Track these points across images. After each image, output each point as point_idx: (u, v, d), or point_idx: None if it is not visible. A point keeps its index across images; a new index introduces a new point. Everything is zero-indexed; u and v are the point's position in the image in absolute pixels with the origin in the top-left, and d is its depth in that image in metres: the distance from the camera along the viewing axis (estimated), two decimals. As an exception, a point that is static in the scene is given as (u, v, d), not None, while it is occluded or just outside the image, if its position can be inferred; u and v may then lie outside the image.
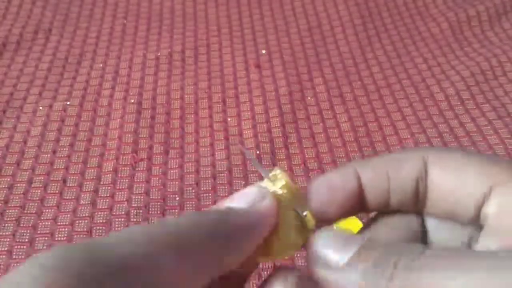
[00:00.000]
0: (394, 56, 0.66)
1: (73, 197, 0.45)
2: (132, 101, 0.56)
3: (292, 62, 0.63)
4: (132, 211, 0.44)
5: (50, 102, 0.56)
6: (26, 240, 0.41)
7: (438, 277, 0.13)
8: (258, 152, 0.50)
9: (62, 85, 0.58)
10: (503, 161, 0.17)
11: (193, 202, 0.45)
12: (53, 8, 0.71)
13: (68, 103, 0.56)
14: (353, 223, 0.44)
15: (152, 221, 0.43)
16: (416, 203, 0.18)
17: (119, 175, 0.47)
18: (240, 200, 0.17)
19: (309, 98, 0.58)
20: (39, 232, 0.42)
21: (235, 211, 0.16)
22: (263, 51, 0.65)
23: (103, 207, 0.44)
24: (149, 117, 0.54)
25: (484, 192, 0.16)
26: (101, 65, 0.62)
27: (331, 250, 0.16)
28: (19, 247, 0.40)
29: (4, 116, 0.54)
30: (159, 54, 0.64)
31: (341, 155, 0.50)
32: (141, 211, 0.44)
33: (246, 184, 0.47)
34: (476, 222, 0.17)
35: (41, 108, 0.55)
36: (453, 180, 0.17)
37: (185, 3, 0.73)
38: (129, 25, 0.69)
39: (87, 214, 0.43)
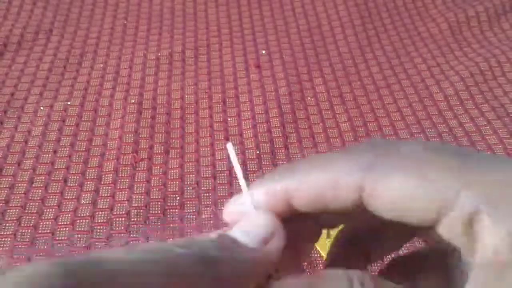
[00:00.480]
0: (394, 57, 0.66)
1: (73, 197, 0.45)
2: (133, 101, 0.56)
3: (292, 62, 0.63)
4: (133, 210, 0.44)
5: (51, 102, 0.56)
6: (27, 240, 0.41)
7: None
8: (258, 152, 0.50)
9: (63, 85, 0.58)
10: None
11: (194, 202, 0.45)
12: (53, 9, 0.71)
13: (69, 103, 0.56)
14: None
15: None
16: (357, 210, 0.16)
17: (120, 175, 0.47)
18: (248, 235, 0.15)
19: (309, 98, 0.58)
20: (40, 231, 0.42)
21: (239, 250, 0.15)
22: (263, 51, 0.65)
23: (103, 207, 0.44)
24: (149, 117, 0.54)
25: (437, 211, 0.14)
26: (101, 65, 0.62)
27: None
28: (20, 246, 0.41)
29: (5, 116, 0.54)
30: (159, 54, 0.64)
31: (340, 155, 0.51)
32: (141, 210, 0.44)
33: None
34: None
35: (42, 108, 0.55)
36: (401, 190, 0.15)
37: (185, 4, 0.74)
38: (129, 26, 0.69)
39: (87, 214, 0.43)
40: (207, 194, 0.46)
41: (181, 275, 0.13)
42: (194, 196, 0.46)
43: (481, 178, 0.14)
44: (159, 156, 0.50)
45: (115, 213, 0.44)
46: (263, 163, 0.49)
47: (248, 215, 0.16)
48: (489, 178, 0.14)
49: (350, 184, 0.15)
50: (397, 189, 0.14)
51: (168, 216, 0.44)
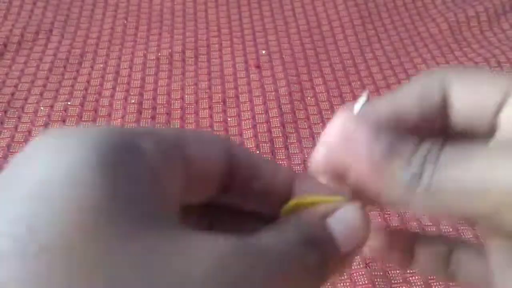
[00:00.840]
0: (394, 57, 0.66)
1: (74, 197, 0.45)
2: (133, 101, 0.56)
3: (292, 63, 0.64)
4: (133, 210, 0.44)
5: (51, 102, 0.56)
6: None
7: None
8: (258, 152, 0.50)
9: (63, 85, 0.59)
10: None
11: (194, 202, 0.45)
12: (54, 9, 0.71)
13: (69, 103, 0.56)
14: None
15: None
16: (444, 119, 0.18)
17: (120, 175, 0.47)
18: (346, 240, 0.16)
19: (309, 98, 0.58)
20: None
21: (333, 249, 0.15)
22: (263, 52, 0.65)
23: (104, 207, 0.44)
24: (149, 117, 0.54)
25: (498, 101, 0.17)
26: (101, 66, 0.62)
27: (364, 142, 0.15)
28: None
29: (6, 116, 0.54)
30: (159, 54, 0.64)
31: (340, 155, 0.51)
32: (141, 210, 0.44)
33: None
34: (494, 133, 0.17)
35: (42, 108, 0.55)
36: (470, 93, 0.17)
37: (186, 4, 0.74)
38: (129, 26, 0.69)
39: (88, 214, 0.43)
40: (207, 194, 0.46)
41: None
42: (194, 196, 0.46)
43: None
44: (159, 156, 0.50)
45: (115, 213, 0.44)
46: (263, 163, 0.49)
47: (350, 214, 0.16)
48: None
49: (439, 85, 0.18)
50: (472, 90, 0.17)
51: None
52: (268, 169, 0.17)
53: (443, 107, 0.18)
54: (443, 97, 0.18)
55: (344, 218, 0.16)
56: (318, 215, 0.16)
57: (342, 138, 0.16)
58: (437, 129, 0.18)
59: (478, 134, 0.17)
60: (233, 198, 0.17)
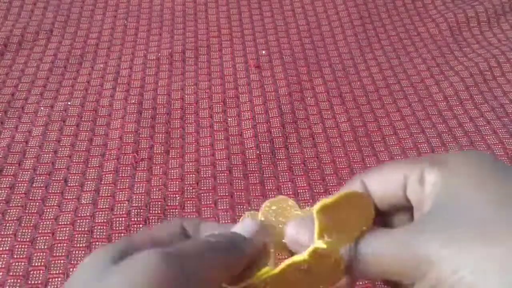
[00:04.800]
0: (393, 57, 0.66)
1: (74, 197, 0.45)
2: (133, 101, 0.56)
3: (292, 63, 0.64)
4: (133, 210, 0.44)
5: (51, 102, 0.56)
6: (28, 239, 0.41)
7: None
8: (258, 152, 0.50)
9: (63, 86, 0.59)
10: (413, 158, 0.24)
11: (194, 202, 0.45)
12: (54, 9, 0.71)
13: (69, 103, 0.56)
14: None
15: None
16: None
17: (120, 175, 0.47)
18: (245, 232, 0.25)
19: (308, 98, 0.58)
20: (40, 231, 0.42)
21: (243, 240, 0.24)
22: (263, 52, 0.65)
23: (104, 207, 0.44)
24: (149, 117, 0.54)
25: (402, 183, 0.24)
26: (102, 66, 0.62)
27: (306, 240, 0.24)
28: (20, 246, 0.41)
29: (6, 116, 0.54)
30: (159, 54, 0.64)
31: (340, 155, 0.51)
32: (141, 210, 0.44)
33: (246, 184, 0.47)
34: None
35: (42, 108, 0.55)
36: (381, 185, 0.25)
37: (186, 4, 0.74)
38: (130, 26, 0.69)
39: (88, 214, 0.44)
40: (207, 194, 0.46)
41: (226, 254, 0.23)
42: (194, 196, 0.46)
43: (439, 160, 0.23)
44: (159, 156, 0.50)
45: (115, 213, 0.44)
46: (263, 163, 0.49)
47: (244, 221, 0.26)
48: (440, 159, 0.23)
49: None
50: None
51: (168, 216, 0.44)
52: (205, 228, 0.26)
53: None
54: (363, 190, 0.25)
55: (240, 225, 0.26)
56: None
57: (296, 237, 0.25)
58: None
59: (404, 208, 0.25)
60: None
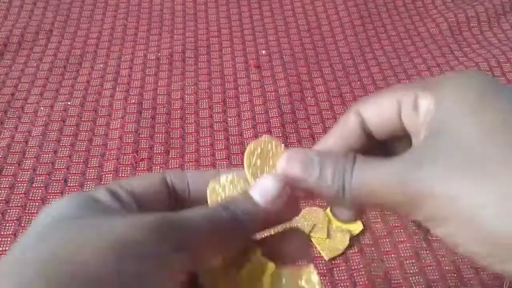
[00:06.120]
0: (394, 57, 0.66)
1: (74, 197, 0.45)
2: (133, 101, 0.56)
3: (292, 63, 0.64)
4: (133, 210, 0.44)
5: (51, 102, 0.56)
6: (28, 239, 0.41)
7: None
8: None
9: (63, 86, 0.59)
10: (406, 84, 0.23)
11: (194, 202, 0.45)
12: (54, 9, 0.71)
13: (69, 103, 0.56)
14: (354, 224, 0.44)
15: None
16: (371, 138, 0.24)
17: (120, 175, 0.47)
18: (261, 196, 0.22)
19: (309, 98, 0.58)
20: (40, 231, 0.42)
21: (254, 207, 0.21)
22: (263, 52, 0.65)
23: (104, 207, 0.44)
24: (149, 117, 0.54)
25: (396, 109, 0.22)
26: (101, 66, 0.62)
27: (300, 171, 0.22)
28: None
29: (5, 116, 0.54)
30: (159, 54, 0.64)
31: (340, 155, 0.51)
32: (141, 210, 0.44)
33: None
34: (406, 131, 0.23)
35: (42, 108, 0.55)
36: (375, 112, 0.23)
37: (186, 4, 0.74)
38: (129, 26, 0.69)
39: (88, 214, 0.43)
40: (207, 194, 0.46)
41: (224, 228, 0.20)
42: (194, 196, 0.46)
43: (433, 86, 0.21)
44: (159, 156, 0.50)
45: (115, 213, 0.44)
46: (263, 163, 0.49)
47: (263, 179, 0.23)
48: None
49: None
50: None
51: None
52: (192, 178, 0.24)
53: (362, 129, 0.23)
54: (360, 122, 0.23)
55: (260, 185, 0.22)
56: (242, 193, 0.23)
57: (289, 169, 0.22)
58: (370, 144, 0.24)
59: (401, 137, 0.23)
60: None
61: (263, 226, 0.22)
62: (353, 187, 0.20)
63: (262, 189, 0.22)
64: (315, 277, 0.20)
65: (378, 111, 0.23)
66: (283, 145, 0.25)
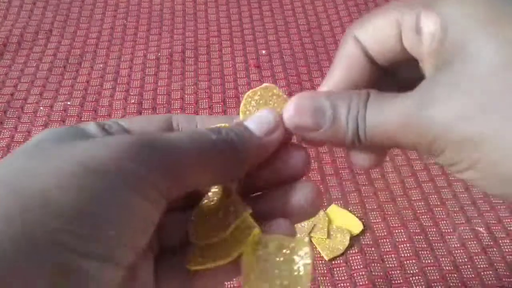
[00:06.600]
0: (394, 57, 0.66)
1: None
2: (133, 101, 0.56)
3: (292, 63, 0.63)
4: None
5: (50, 102, 0.56)
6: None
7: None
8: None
9: (63, 86, 0.58)
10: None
11: (193, 202, 0.45)
12: (53, 9, 0.71)
13: (69, 103, 0.56)
14: (354, 224, 0.44)
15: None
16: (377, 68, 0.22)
17: (120, 175, 0.47)
18: (256, 126, 0.20)
19: (308, 98, 0.58)
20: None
21: (249, 136, 0.20)
22: (263, 52, 0.65)
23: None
24: (149, 117, 0.54)
25: (395, 32, 0.19)
26: (101, 66, 0.62)
27: (310, 121, 0.20)
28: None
29: (5, 116, 0.54)
30: (159, 54, 0.64)
31: (340, 155, 0.51)
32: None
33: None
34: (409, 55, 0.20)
35: (41, 108, 0.55)
36: (373, 37, 0.20)
37: (185, 4, 0.74)
38: (129, 26, 0.69)
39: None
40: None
41: (213, 151, 0.18)
42: (194, 196, 0.46)
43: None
44: (159, 156, 0.50)
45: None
46: (263, 163, 0.49)
47: (259, 112, 0.21)
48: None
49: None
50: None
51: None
52: (201, 122, 0.22)
53: (365, 56, 0.21)
54: (361, 49, 0.21)
55: (256, 116, 0.21)
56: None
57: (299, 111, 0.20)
58: (381, 74, 0.21)
59: (410, 61, 0.20)
60: None
61: (256, 158, 0.20)
62: (368, 129, 0.19)
63: (258, 120, 0.20)
64: (306, 248, 0.18)
65: (376, 35, 0.20)
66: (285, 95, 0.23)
